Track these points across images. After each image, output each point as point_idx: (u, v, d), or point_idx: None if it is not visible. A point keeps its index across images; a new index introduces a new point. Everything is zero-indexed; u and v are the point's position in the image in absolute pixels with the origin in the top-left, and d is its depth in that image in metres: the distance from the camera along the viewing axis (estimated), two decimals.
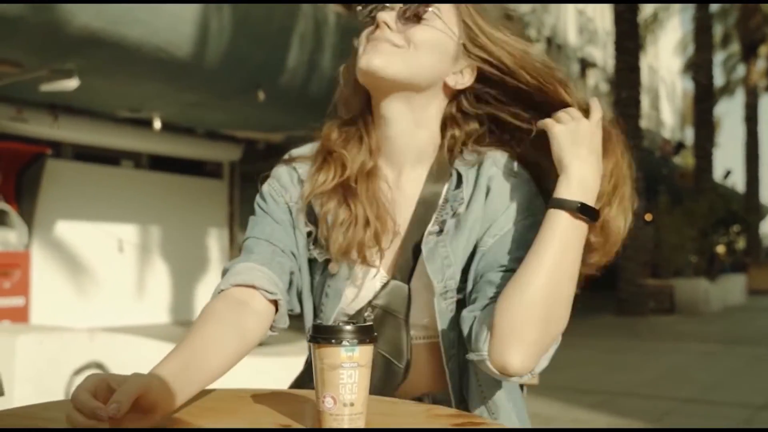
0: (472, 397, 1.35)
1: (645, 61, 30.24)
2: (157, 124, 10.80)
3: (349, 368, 0.99)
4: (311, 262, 1.41)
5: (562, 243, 1.21)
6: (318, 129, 1.46)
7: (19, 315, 9.40)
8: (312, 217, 1.40)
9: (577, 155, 1.24)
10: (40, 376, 4.00)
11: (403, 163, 1.40)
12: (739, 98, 42.78)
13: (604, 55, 30.13)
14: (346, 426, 1.00)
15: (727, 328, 13.23)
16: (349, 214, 1.36)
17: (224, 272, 1.33)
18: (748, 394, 6.86)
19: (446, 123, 1.41)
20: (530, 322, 1.17)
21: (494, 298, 1.23)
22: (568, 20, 28.17)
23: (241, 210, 14.34)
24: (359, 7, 1.38)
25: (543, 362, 1.21)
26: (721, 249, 18.81)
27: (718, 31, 28.52)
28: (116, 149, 12.28)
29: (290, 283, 1.38)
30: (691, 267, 17.47)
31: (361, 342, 1.00)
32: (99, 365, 4.21)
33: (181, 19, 8.29)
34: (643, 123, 20.08)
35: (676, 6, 27.19)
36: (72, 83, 8.31)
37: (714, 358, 9.36)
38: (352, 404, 1.00)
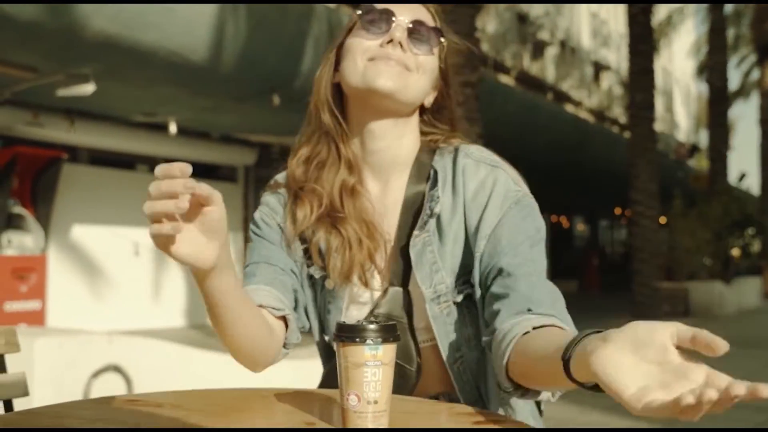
0: (491, 398, 1.37)
1: (659, 64, 30.12)
2: (173, 128, 10.85)
3: (373, 366, 1.01)
4: (311, 278, 1.43)
5: None
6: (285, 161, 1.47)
7: (36, 318, 9.46)
8: (304, 237, 1.41)
9: None
10: (59, 379, 4.04)
11: (390, 172, 1.42)
12: (753, 101, 42.66)
13: (618, 57, 30.04)
14: (369, 423, 1.02)
15: (742, 331, 13.16)
16: (341, 239, 1.37)
17: None
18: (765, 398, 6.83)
19: (422, 128, 1.46)
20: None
21: (508, 311, 1.23)
22: (581, 23, 28.11)
23: None
24: (359, 11, 1.37)
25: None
26: (735, 252, 18.69)
27: (732, 33, 28.40)
28: (132, 153, 12.34)
29: (296, 300, 1.39)
30: (706, 270, 17.38)
31: (385, 340, 1.02)
32: (117, 368, 4.24)
33: (196, 23, 8.34)
34: (658, 126, 20.01)
35: (691, 8, 27.08)
36: (88, 88, 8.36)
37: (729, 361, 9.27)
38: (375, 402, 1.01)
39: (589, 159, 19.09)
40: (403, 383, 1.36)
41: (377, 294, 1.38)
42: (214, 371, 4.76)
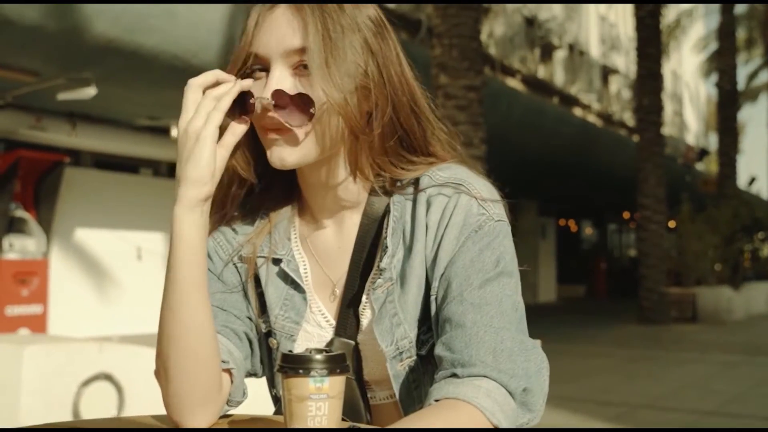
0: None
1: (668, 67, 30.03)
2: (175, 132, 10.80)
3: (318, 400, 0.93)
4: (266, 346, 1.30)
5: None
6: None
7: (37, 323, 9.43)
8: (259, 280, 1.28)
9: None
10: (48, 388, 3.98)
11: (342, 209, 1.25)
12: (762, 103, 42.41)
13: (626, 61, 29.94)
14: None
15: (750, 337, 13.05)
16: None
17: None
18: None
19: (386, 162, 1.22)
20: None
21: (439, 373, 1.07)
22: (590, 27, 28.03)
23: None
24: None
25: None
26: (745, 257, 18.55)
27: (741, 35, 28.26)
28: (135, 157, 12.32)
29: (251, 348, 1.27)
30: (714, 275, 17.27)
31: (331, 372, 0.94)
32: (107, 376, 4.18)
33: (198, 27, 8.31)
34: (667, 129, 19.93)
35: (700, 11, 26.98)
36: (90, 91, 8.36)
37: (737, 368, 9.21)
38: None
39: (597, 163, 19.02)
40: None
41: (322, 344, 1.24)
42: None
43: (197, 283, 1.10)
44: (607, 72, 29.45)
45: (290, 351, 0.97)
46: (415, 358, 1.18)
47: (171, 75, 8.65)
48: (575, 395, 6.87)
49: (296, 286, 1.24)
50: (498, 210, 1.18)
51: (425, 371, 1.18)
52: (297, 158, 1.14)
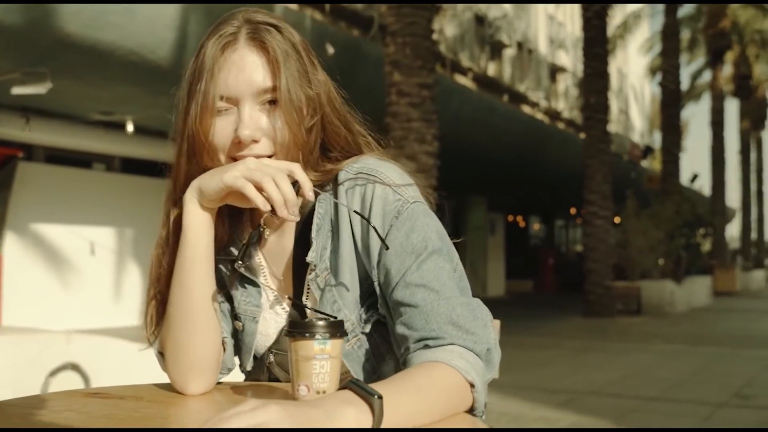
0: None
1: (614, 66, 30.58)
2: (130, 128, 10.81)
3: (321, 359, 1.11)
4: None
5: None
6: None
7: None
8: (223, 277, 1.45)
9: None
10: (16, 378, 4.06)
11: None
12: (705, 103, 43.40)
13: (574, 60, 30.43)
14: None
15: (691, 328, 13.48)
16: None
17: None
18: (710, 392, 7.06)
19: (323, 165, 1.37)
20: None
21: (409, 350, 1.21)
22: (539, 25, 28.42)
23: None
24: (202, 78, 1.32)
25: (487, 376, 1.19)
26: (683, 252, 19.07)
27: (685, 36, 28.93)
28: (88, 152, 12.26)
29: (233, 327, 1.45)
30: (658, 269, 17.73)
31: (333, 336, 1.11)
32: (75, 366, 4.27)
33: (156, 22, 8.34)
34: (612, 127, 20.35)
35: (646, 11, 27.53)
36: (45, 86, 8.31)
37: (678, 357, 9.56)
38: (324, 392, 1.11)
39: (545, 159, 19.34)
40: None
41: (274, 331, 1.39)
42: None
43: (204, 258, 1.29)
44: (555, 70, 29.89)
45: (296, 319, 1.14)
46: (360, 336, 1.32)
47: (127, 70, 8.68)
48: (525, 384, 7.11)
49: (253, 283, 1.40)
50: (413, 192, 1.32)
51: (371, 345, 1.33)
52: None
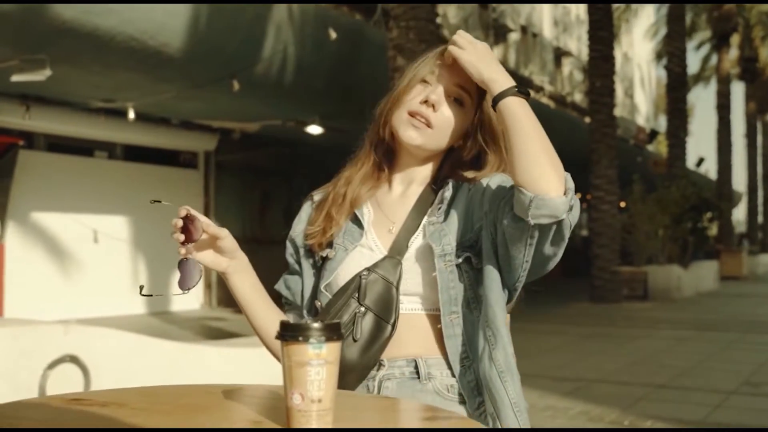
0: (484, 372, 1.52)
1: (619, 50, 30.37)
2: (131, 115, 10.72)
3: (317, 365, 1.01)
4: (322, 262, 1.71)
5: (525, 113, 1.50)
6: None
7: None
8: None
9: (490, 67, 1.56)
10: (14, 371, 3.99)
11: (413, 180, 1.73)
12: (711, 86, 43.18)
13: (579, 44, 30.22)
14: (314, 422, 1.02)
15: (699, 314, 13.39)
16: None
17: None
18: (719, 379, 6.97)
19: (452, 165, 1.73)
20: (540, 161, 1.51)
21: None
22: (543, 9, 28.22)
23: (216, 200, 14.28)
24: (417, 64, 1.69)
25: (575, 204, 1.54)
26: (692, 236, 18.95)
27: (690, 18, 28.68)
28: (90, 140, 12.19)
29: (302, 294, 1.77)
30: (665, 254, 17.63)
31: (329, 339, 1.02)
32: (73, 358, 4.19)
33: (155, 8, 8.24)
34: (618, 111, 20.17)
35: None
36: (44, 73, 8.23)
37: (686, 343, 9.48)
38: (320, 400, 1.02)
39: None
40: (378, 335, 1.55)
41: (375, 259, 1.61)
42: (172, 361, 4.73)
43: (252, 301, 1.63)
44: (559, 54, 29.71)
45: (287, 321, 1.05)
46: (453, 262, 1.57)
47: (127, 56, 8.58)
48: (531, 371, 7.02)
49: (358, 224, 1.68)
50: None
51: (460, 277, 1.57)
52: (421, 142, 1.63)
